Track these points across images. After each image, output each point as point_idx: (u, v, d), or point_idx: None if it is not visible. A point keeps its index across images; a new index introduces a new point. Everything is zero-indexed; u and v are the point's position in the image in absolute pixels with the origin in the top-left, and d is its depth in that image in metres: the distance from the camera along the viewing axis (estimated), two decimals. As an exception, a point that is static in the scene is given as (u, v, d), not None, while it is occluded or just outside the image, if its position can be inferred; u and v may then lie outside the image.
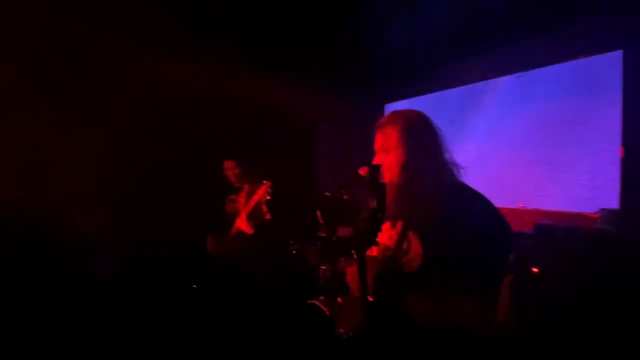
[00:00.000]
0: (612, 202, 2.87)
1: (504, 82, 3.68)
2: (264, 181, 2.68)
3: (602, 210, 2.85)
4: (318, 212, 2.64)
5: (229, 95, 3.80)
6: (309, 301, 2.06)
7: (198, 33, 3.35)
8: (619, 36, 2.81)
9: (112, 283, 3.01)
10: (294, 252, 2.86)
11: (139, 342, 2.57)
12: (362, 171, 1.32)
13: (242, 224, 2.74)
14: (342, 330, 1.44)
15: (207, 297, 2.71)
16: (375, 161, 1.34)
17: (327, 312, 1.75)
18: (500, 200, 3.17)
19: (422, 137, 1.29)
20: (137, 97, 3.44)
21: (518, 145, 3.56)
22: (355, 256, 1.33)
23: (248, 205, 2.72)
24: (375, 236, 1.23)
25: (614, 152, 2.87)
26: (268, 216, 2.67)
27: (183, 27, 3.26)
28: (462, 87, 4.01)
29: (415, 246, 1.19)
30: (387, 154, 1.29)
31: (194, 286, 2.80)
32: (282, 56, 3.81)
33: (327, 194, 2.58)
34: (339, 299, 1.95)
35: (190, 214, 3.28)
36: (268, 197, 2.65)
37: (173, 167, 3.49)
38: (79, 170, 3.14)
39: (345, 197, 2.53)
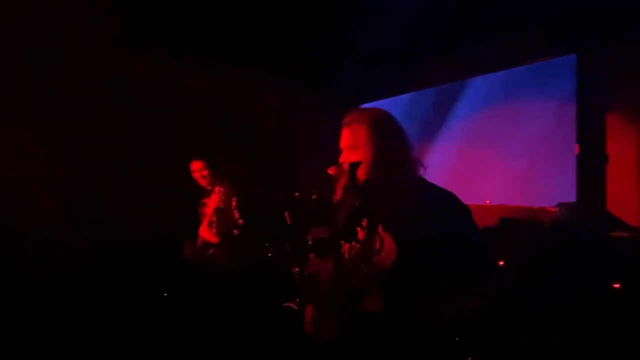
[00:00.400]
0: (570, 196, 3.05)
1: (471, 83, 3.82)
2: (217, 188, 2.59)
3: (561, 204, 3.02)
4: (286, 213, 2.64)
5: (202, 95, 3.75)
6: (285, 304, 2.08)
7: (164, 28, 3.28)
8: (573, 41, 2.99)
9: (82, 289, 2.92)
10: (269, 255, 2.87)
11: (108, 350, 2.51)
12: (332, 171, 1.34)
13: (203, 232, 2.68)
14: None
15: (182, 304, 2.68)
16: (342, 159, 1.33)
17: (303, 315, 1.77)
18: (469, 197, 3.31)
19: (390, 134, 1.29)
20: (101, 94, 3.33)
21: (486, 145, 3.72)
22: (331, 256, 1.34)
23: (207, 212, 2.65)
24: (355, 234, 1.24)
25: (571, 149, 3.05)
26: (240, 221, 2.60)
27: (147, 21, 3.19)
28: (430, 89, 4.14)
29: (388, 243, 1.21)
30: (355, 152, 1.29)
31: (165, 294, 2.75)
32: (255, 56, 3.79)
33: (295, 194, 2.58)
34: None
35: (169, 218, 3.19)
36: (221, 205, 2.56)
37: (148, 169, 3.40)
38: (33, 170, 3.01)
39: (314, 197, 2.53)
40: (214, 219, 2.63)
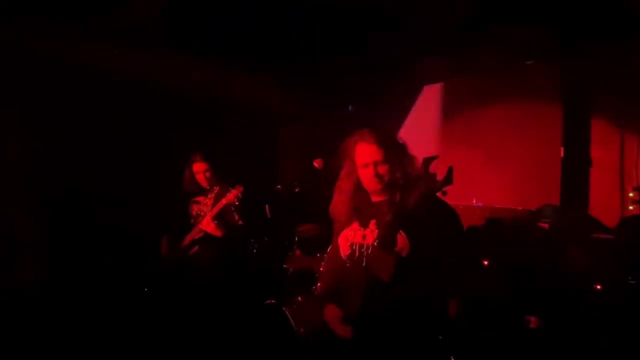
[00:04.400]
0: (554, 198, 3.09)
1: (461, 84, 3.86)
2: (237, 185, 2.62)
3: (545, 206, 3.07)
4: (267, 206, 2.61)
5: (198, 93, 3.71)
6: (268, 301, 2.05)
7: (163, 26, 3.21)
8: (558, 48, 3.03)
9: (56, 285, 2.84)
10: (254, 251, 2.83)
11: (86, 347, 2.44)
12: (317, 163, 1.33)
13: (207, 227, 2.68)
14: (302, 330, 1.45)
15: (160, 301, 2.62)
16: (363, 174, 1.42)
17: (287, 312, 1.74)
18: (456, 197, 3.33)
19: (404, 153, 1.44)
20: (83, 91, 3.25)
21: (474, 146, 3.76)
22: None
23: (215, 208, 2.65)
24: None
25: (556, 152, 3.09)
26: (240, 221, 2.63)
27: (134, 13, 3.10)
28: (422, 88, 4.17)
29: (401, 241, 1.30)
30: (382, 166, 1.39)
31: (145, 289, 2.69)
32: (251, 54, 3.74)
33: (277, 187, 2.56)
34: (299, 298, 1.96)
35: (144, 214, 3.13)
36: (237, 203, 2.60)
37: (128, 166, 3.33)
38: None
39: (297, 190, 2.50)
40: (223, 214, 2.64)
